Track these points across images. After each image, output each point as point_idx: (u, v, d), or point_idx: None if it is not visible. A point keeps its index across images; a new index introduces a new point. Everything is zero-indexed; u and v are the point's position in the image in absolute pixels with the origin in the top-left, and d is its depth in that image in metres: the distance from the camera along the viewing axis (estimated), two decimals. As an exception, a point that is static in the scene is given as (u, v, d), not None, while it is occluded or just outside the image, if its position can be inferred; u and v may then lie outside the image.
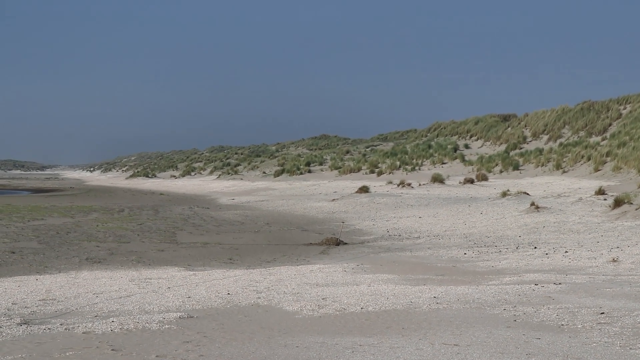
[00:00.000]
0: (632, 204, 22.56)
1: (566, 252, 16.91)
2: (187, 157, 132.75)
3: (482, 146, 62.26)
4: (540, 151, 51.19)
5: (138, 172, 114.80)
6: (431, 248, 19.34)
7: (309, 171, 65.63)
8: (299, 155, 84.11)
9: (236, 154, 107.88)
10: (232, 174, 78.40)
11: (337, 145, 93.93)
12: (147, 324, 9.42)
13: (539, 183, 38.79)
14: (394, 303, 10.74)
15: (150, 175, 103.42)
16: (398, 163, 57.90)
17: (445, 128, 73.35)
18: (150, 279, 14.08)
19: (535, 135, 58.31)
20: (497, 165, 50.28)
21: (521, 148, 55.98)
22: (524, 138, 58.58)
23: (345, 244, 21.12)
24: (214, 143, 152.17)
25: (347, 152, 78.07)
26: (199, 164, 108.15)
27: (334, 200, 36.60)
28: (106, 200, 46.51)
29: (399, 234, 23.18)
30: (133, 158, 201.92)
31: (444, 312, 10.04)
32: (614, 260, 14.93)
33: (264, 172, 73.08)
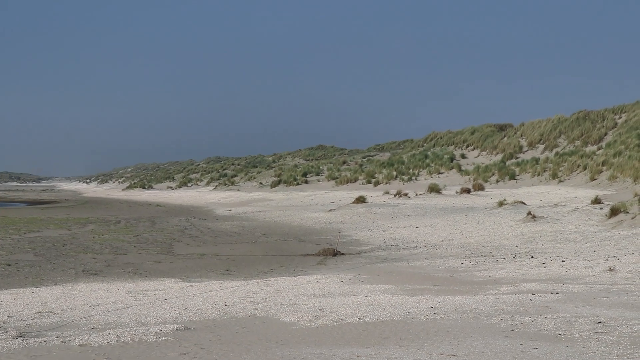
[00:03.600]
0: (628, 212, 22.58)
1: (563, 261, 16.91)
2: (184, 169, 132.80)
3: (478, 156, 62.36)
4: (536, 161, 51.31)
5: (134, 183, 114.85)
6: (428, 258, 19.32)
7: (306, 182, 65.71)
8: (295, 165, 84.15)
9: (233, 164, 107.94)
10: (228, 185, 78.45)
11: (334, 155, 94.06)
12: (144, 336, 9.39)
13: (536, 192, 38.84)
14: (392, 313, 10.72)
15: (146, 187, 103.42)
16: (395, 173, 57.97)
17: (441, 138, 73.47)
18: (147, 290, 14.05)
19: (532, 145, 58.44)
20: (493, 174, 50.37)
21: (517, 158, 56.10)
22: (520, 148, 58.70)
23: (343, 254, 21.09)
24: (211, 154, 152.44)
25: (344, 162, 78.14)
26: (195, 175, 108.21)
27: (330, 210, 36.59)
28: (103, 212, 46.49)
29: (396, 244, 23.17)
30: (129, 169, 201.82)
31: (442, 322, 10.02)
32: (610, 270, 14.94)
33: (261, 183, 73.11)
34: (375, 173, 59.72)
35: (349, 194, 47.29)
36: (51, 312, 11.45)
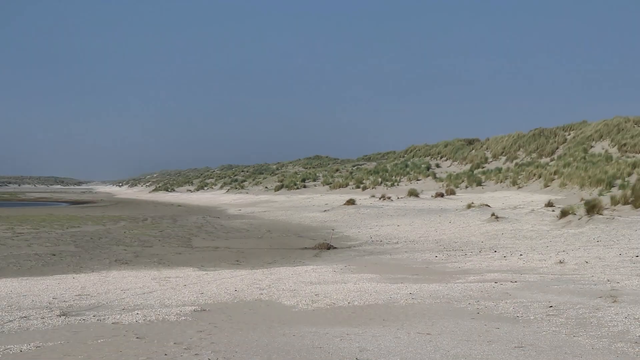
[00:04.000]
0: (575, 214, 22.63)
1: (521, 255, 16.92)
2: (201, 174, 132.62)
3: (450, 165, 62.38)
4: (499, 170, 51.35)
5: (159, 187, 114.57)
6: (408, 252, 19.30)
7: (304, 186, 65.61)
8: (295, 172, 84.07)
9: (242, 171, 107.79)
10: (239, 189, 78.31)
11: (328, 164, 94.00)
12: (166, 316, 9.40)
13: (499, 197, 38.85)
14: (376, 298, 10.73)
15: (169, 190, 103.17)
16: (380, 180, 57.93)
17: (419, 150, 73.49)
18: (169, 277, 14.05)
19: (495, 157, 58.49)
20: (463, 181, 50.36)
21: (483, 167, 56.13)
22: (486, 159, 58.75)
23: (335, 248, 21.09)
24: (224, 162, 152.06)
25: (337, 170, 78.06)
26: (211, 180, 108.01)
27: (325, 211, 36.57)
28: (132, 211, 46.42)
29: (380, 239, 23.16)
30: (155, 175, 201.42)
31: (419, 306, 10.04)
32: (560, 262, 14.96)
33: (266, 187, 73.01)
34: (363, 179, 59.66)
35: (340, 197, 47.26)
36: (89, 295, 11.46)
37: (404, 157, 74.39)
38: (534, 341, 7.70)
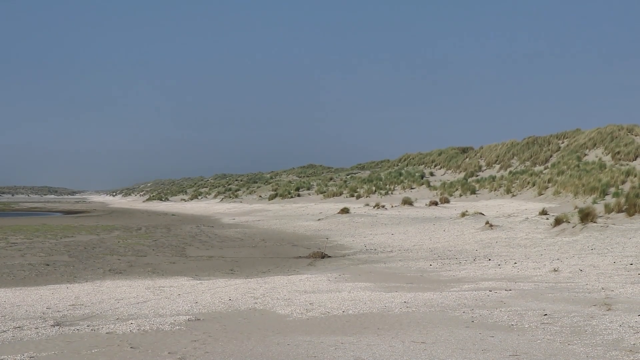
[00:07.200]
0: (569, 222, 22.67)
1: (515, 263, 16.93)
2: (195, 184, 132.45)
3: (444, 174, 62.50)
4: (493, 178, 51.45)
5: (153, 196, 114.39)
6: (402, 260, 19.30)
7: (298, 195, 65.58)
8: (289, 181, 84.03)
9: (236, 180, 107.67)
10: (233, 198, 78.22)
11: (322, 173, 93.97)
12: (160, 326, 9.37)
13: (492, 205, 38.92)
14: (371, 307, 10.71)
15: (163, 199, 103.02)
16: (374, 188, 57.96)
17: (413, 158, 73.60)
18: (163, 287, 14.00)
19: (489, 165, 58.65)
20: (457, 190, 50.45)
21: (477, 175, 56.25)
22: (480, 167, 58.88)
23: (329, 257, 21.06)
24: (218, 171, 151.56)
25: (331, 179, 78.07)
26: (205, 189, 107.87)
27: (319, 220, 36.55)
28: (126, 220, 46.30)
29: (374, 248, 23.14)
30: (149, 184, 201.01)
31: (413, 314, 10.02)
32: (554, 270, 14.98)
33: (260, 196, 72.96)
34: (357, 188, 59.68)
35: (334, 205, 47.24)
36: (83, 304, 11.42)
37: (397, 165, 74.47)
38: (528, 350, 7.69)
